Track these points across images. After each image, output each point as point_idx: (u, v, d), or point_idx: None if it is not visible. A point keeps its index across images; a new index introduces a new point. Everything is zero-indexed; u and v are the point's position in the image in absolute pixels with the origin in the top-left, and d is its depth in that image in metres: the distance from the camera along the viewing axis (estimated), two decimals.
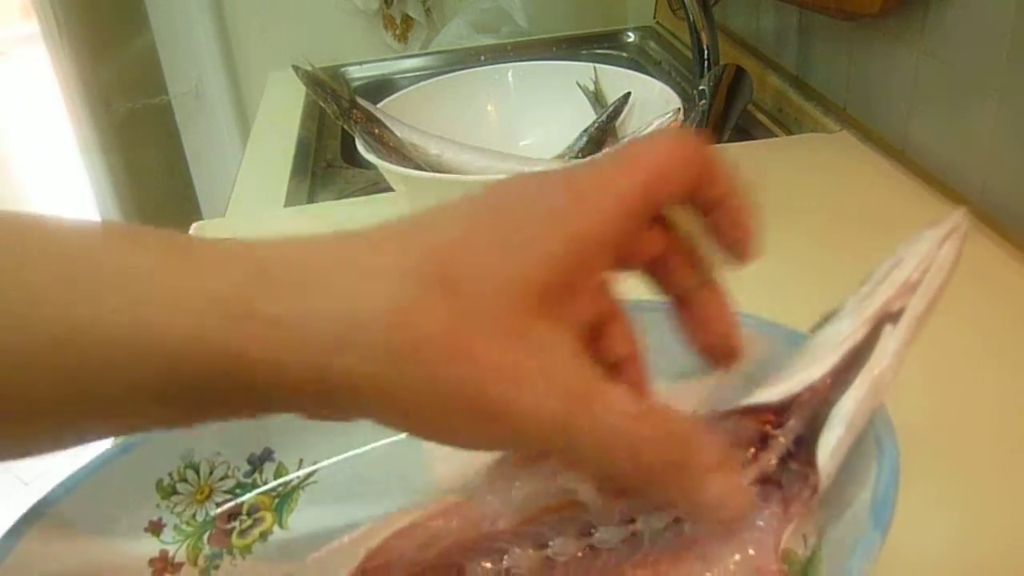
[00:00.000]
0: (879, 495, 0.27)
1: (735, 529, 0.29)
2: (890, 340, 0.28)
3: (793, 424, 0.29)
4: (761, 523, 0.29)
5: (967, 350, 0.55)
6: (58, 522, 0.33)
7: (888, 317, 0.28)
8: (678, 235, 0.30)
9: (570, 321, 0.25)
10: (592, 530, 0.30)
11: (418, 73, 1.30)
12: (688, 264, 0.30)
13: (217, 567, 0.34)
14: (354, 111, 0.69)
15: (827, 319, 0.30)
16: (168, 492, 0.35)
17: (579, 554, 0.30)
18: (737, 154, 0.87)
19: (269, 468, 0.36)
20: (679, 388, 0.35)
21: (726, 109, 0.98)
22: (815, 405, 0.29)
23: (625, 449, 0.24)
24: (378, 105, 0.73)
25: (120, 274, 0.23)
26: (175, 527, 0.34)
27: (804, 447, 0.29)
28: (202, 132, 1.74)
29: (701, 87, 0.99)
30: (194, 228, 0.80)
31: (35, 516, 0.33)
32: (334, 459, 0.36)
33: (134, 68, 1.74)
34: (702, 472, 0.25)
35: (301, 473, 0.36)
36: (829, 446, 0.27)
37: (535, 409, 0.23)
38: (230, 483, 0.35)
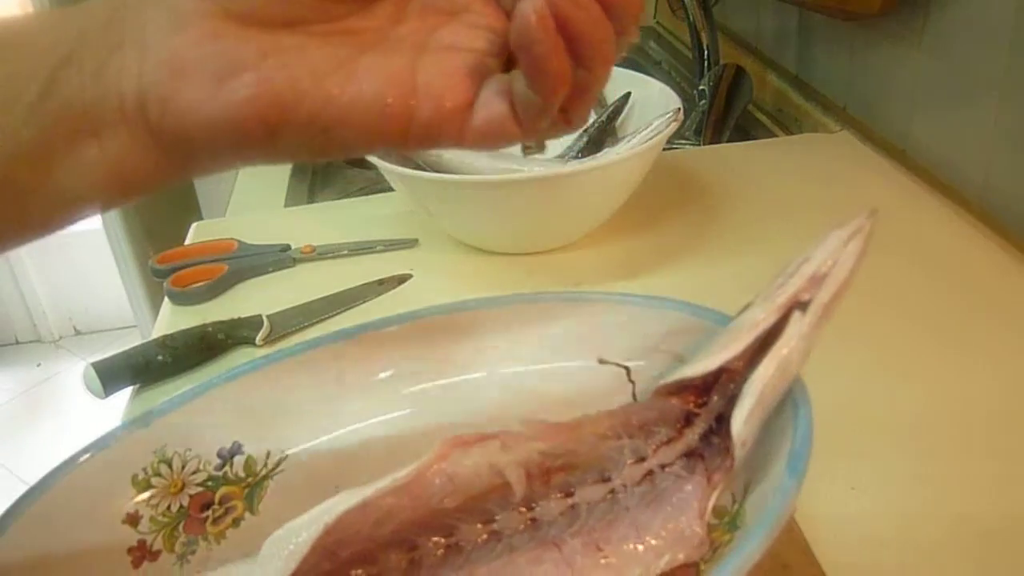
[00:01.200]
0: (794, 450, 0.30)
1: (664, 499, 0.32)
2: (797, 325, 0.31)
3: (714, 403, 0.33)
4: (686, 493, 0.32)
5: (968, 349, 0.55)
6: (39, 518, 0.34)
7: (797, 305, 0.32)
8: None
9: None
10: (533, 504, 0.32)
11: None
12: None
13: (194, 552, 0.36)
14: None
15: (744, 308, 0.33)
16: (144, 486, 0.36)
17: (522, 527, 0.32)
18: (737, 154, 0.87)
19: (239, 461, 0.37)
20: (613, 370, 0.38)
21: (726, 109, 0.98)
22: (732, 385, 0.33)
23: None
24: None
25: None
26: (151, 518, 0.36)
27: (724, 423, 0.32)
28: None
29: (701, 87, 0.99)
30: (194, 228, 0.80)
31: (16, 513, 0.34)
32: (297, 448, 0.38)
33: None
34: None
35: (269, 462, 0.38)
36: (741, 417, 0.31)
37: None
38: (202, 476, 0.37)
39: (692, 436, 0.33)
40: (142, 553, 0.35)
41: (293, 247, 0.73)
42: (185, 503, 0.37)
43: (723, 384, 0.33)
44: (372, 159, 0.67)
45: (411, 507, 0.31)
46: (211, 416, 0.38)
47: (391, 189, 0.76)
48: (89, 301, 2.43)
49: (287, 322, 0.63)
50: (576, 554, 0.32)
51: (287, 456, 0.38)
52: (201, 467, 0.37)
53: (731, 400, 0.32)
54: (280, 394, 0.39)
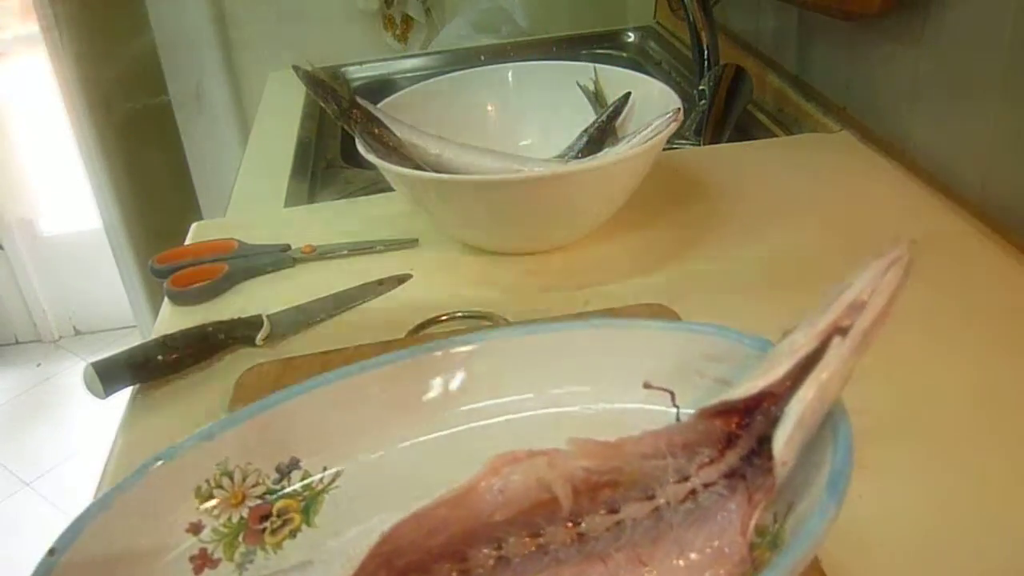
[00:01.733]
0: (834, 471, 0.31)
1: (707, 517, 0.33)
2: (837, 350, 0.33)
3: (756, 425, 0.34)
4: (729, 512, 0.33)
5: (968, 349, 0.55)
6: (108, 524, 0.36)
7: (837, 331, 0.33)
8: None
9: None
10: (580, 520, 0.33)
11: (418, 73, 1.30)
12: None
13: (252, 561, 0.38)
14: (354, 111, 0.69)
15: (786, 334, 0.34)
16: (206, 497, 0.38)
17: (568, 541, 0.33)
18: (737, 154, 0.87)
19: (296, 475, 0.39)
20: (659, 394, 0.39)
21: (726, 109, 0.98)
22: (773, 408, 0.34)
23: None
24: (378, 105, 0.73)
25: None
26: (213, 528, 0.38)
27: (765, 444, 0.33)
28: (202, 132, 1.74)
29: (701, 87, 0.99)
30: (194, 228, 0.80)
31: (87, 518, 0.36)
32: (353, 463, 0.40)
33: (134, 68, 1.74)
34: None
35: (325, 477, 0.39)
36: (782, 438, 0.32)
37: None
38: (261, 489, 0.39)
39: (734, 457, 0.34)
40: (203, 561, 0.37)
41: (293, 247, 0.73)
42: (245, 514, 0.38)
43: (765, 407, 0.34)
44: (372, 159, 0.67)
45: (463, 519, 0.32)
46: (271, 432, 0.40)
47: (391, 189, 0.76)
48: (89, 301, 2.43)
49: (287, 322, 0.63)
50: (620, 568, 0.33)
51: (343, 472, 0.40)
52: (260, 480, 0.39)
53: (772, 422, 0.33)
54: (337, 413, 0.41)
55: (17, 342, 2.47)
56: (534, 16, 1.53)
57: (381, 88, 1.24)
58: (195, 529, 0.37)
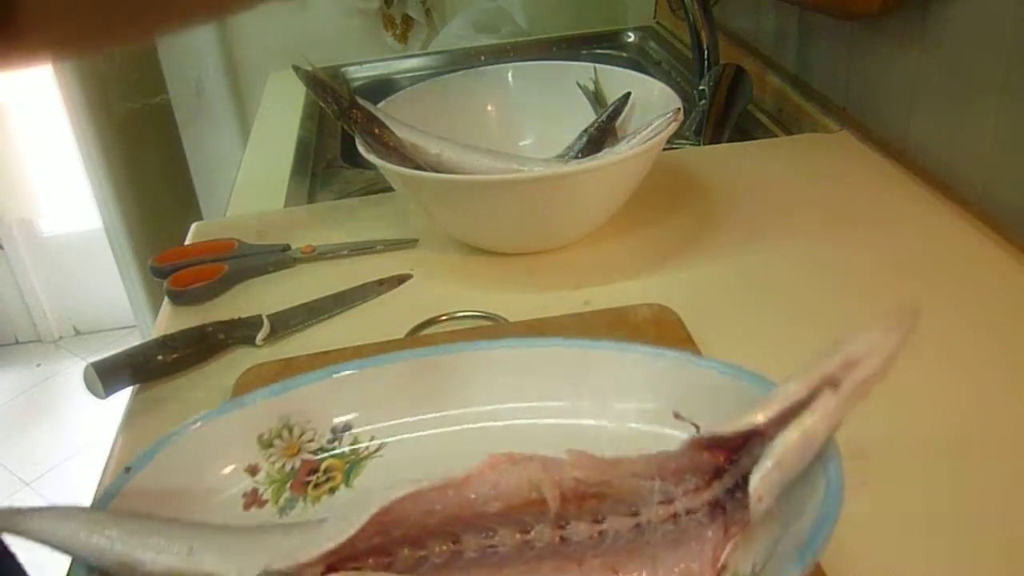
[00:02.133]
0: (809, 533, 0.32)
1: (684, 541, 0.36)
2: (825, 400, 0.34)
3: (742, 461, 0.36)
4: (704, 539, 0.36)
5: (968, 349, 0.55)
6: (181, 452, 0.41)
7: (830, 383, 0.35)
8: None
9: None
10: (565, 524, 0.36)
11: (418, 73, 1.30)
12: None
13: (292, 508, 0.43)
14: (354, 111, 0.69)
15: (787, 380, 0.36)
16: (266, 444, 0.43)
17: (553, 541, 0.36)
18: (737, 154, 0.87)
19: (347, 438, 0.44)
20: (652, 426, 0.43)
21: (726, 109, 0.98)
22: (760, 447, 0.36)
23: None
24: (378, 105, 0.73)
25: None
26: (267, 473, 0.43)
27: (747, 481, 0.35)
28: (202, 132, 1.74)
29: (701, 87, 0.99)
30: (194, 228, 0.80)
31: (165, 443, 0.41)
32: (399, 437, 0.44)
33: (134, 68, 1.73)
34: None
35: (371, 445, 0.44)
36: (759, 475, 0.35)
37: None
38: (314, 446, 0.44)
39: (719, 488, 0.36)
40: (253, 499, 0.42)
41: (293, 247, 0.73)
42: (296, 466, 0.43)
43: (752, 445, 0.36)
44: (372, 159, 0.67)
45: (458, 505, 0.35)
46: (334, 396, 0.44)
47: (391, 189, 0.76)
48: (89, 301, 2.43)
49: (287, 322, 0.63)
50: (593, 571, 0.36)
51: (388, 443, 0.44)
52: (315, 438, 0.44)
53: (756, 460, 0.35)
54: (396, 389, 0.45)
55: (17, 342, 2.47)
56: (534, 16, 1.53)
57: (381, 88, 1.24)
58: (252, 471, 0.43)
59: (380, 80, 1.31)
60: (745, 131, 1.00)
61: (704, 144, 0.95)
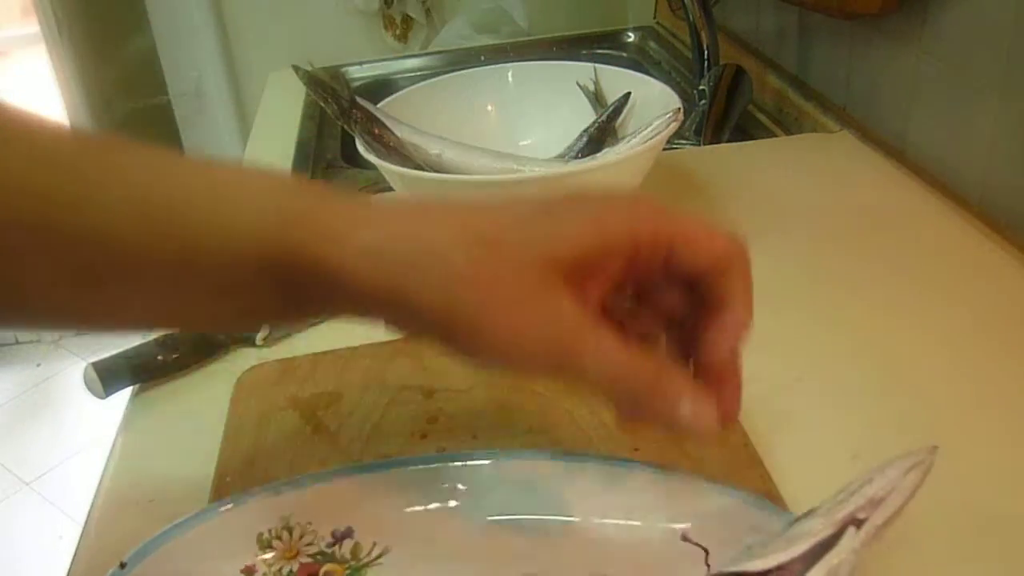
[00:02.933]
0: None
1: None
2: (850, 540, 0.35)
3: None
4: None
5: (968, 349, 0.55)
6: (172, 553, 0.40)
7: (853, 522, 0.36)
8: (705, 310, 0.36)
9: (584, 291, 0.33)
10: None
11: (418, 73, 1.30)
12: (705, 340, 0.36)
13: None
14: (354, 111, 0.69)
15: (807, 514, 0.37)
16: (265, 545, 0.42)
17: None
18: (737, 154, 0.87)
19: (347, 544, 0.42)
20: (684, 548, 0.42)
21: (726, 109, 0.98)
22: None
23: (616, 375, 0.33)
24: (378, 105, 0.73)
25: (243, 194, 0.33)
26: (264, 574, 0.41)
27: None
28: (202, 132, 1.74)
29: (701, 87, 0.99)
30: None
31: (157, 544, 0.40)
32: (400, 547, 0.43)
33: (134, 68, 1.74)
34: (674, 396, 0.34)
35: (373, 551, 0.42)
36: None
37: (539, 335, 0.32)
38: (313, 549, 0.42)
39: None
40: None
41: None
42: (295, 569, 0.42)
43: None
44: (372, 159, 0.67)
45: None
46: (335, 499, 0.43)
47: (391, 189, 0.75)
48: None
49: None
50: None
51: (390, 551, 0.42)
52: (315, 541, 0.42)
53: None
54: (396, 499, 0.44)
55: (17, 342, 2.46)
56: (534, 16, 1.53)
57: (381, 88, 1.24)
58: (249, 571, 0.41)
59: (380, 80, 1.31)
60: (745, 131, 1.00)
61: (704, 144, 0.95)
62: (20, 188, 0.31)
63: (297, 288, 0.33)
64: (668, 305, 0.37)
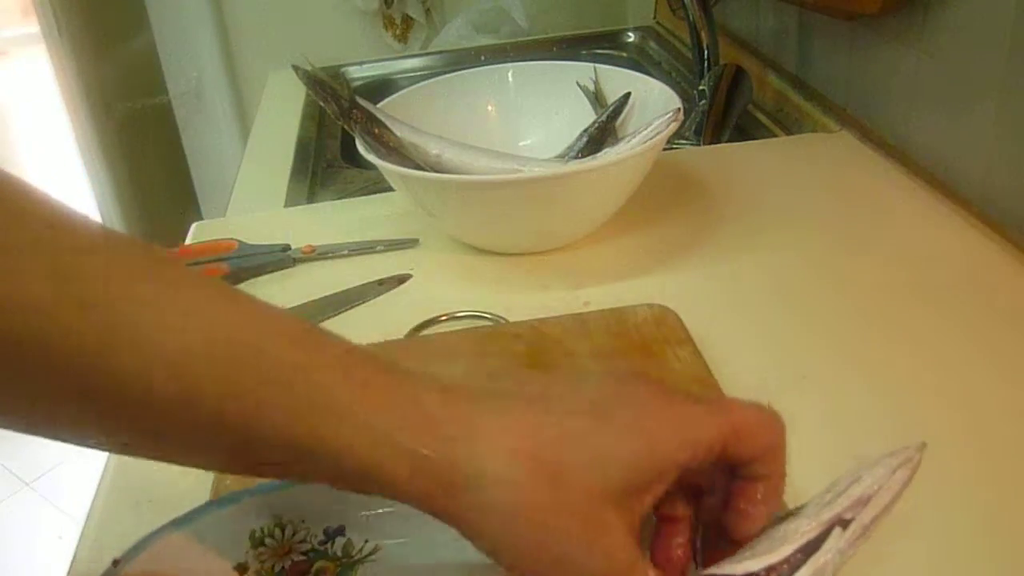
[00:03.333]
0: None
1: None
2: (836, 540, 0.36)
3: None
4: None
5: (968, 349, 0.55)
6: (166, 551, 0.40)
7: (839, 522, 0.36)
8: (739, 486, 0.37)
9: (633, 511, 0.34)
10: None
11: (418, 73, 1.30)
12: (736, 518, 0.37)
13: None
14: (354, 111, 0.69)
15: (793, 513, 0.37)
16: (257, 542, 0.42)
17: None
18: (737, 154, 0.87)
19: (339, 542, 0.43)
20: None
21: (726, 109, 0.98)
22: None
23: None
24: (378, 105, 0.73)
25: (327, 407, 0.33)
26: (256, 571, 0.41)
27: None
28: (202, 132, 1.74)
29: (701, 87, 0.99)
30: (194, 228, 0.80)
31: (150, 541, 0.40)
32: (392, 542, 0.43)
33: (134, 68, 1.74)
34: None
35: (364, 549, 0.43)
36: None
37: (591, 569, 0.32)
38: (306, 547, 0.43)
39: None
40: None
41: (293, 247, 0.73)
42: (287, 566, 0.42)
43: None
44: (372, 159, 0.67)
45: None
46: (328, 497, 0.42)
47: (391, 189, 0.76)
48: None
49: None
50: None
51: (381, 548, 0.43)
52: (308, 539, 0.43)
53: None
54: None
55: None
56: (534, 16, 1.53)
57: (381, 88, 1.24)
58: (241, 569, 0.41)
59: (380, 80, 1.31)
60: (745, 131, 1.00)
61: (704, 144, 0.95)
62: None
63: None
64: (701, 483, 0.37)
